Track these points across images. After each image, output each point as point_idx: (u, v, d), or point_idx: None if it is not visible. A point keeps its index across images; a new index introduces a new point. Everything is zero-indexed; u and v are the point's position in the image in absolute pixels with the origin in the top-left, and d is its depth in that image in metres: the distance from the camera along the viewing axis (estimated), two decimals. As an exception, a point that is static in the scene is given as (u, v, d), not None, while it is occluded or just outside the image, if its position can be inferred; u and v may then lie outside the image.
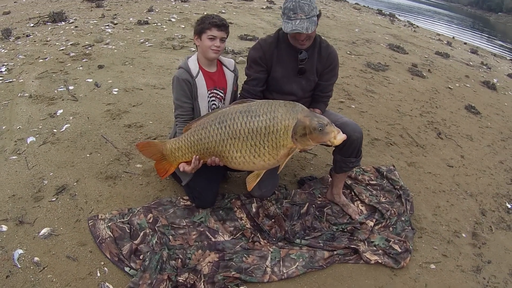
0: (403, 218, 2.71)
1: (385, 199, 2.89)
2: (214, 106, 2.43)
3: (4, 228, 2.21)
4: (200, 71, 2.34)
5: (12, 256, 2.03)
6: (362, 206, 2.79)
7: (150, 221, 2.26)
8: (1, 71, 4.42)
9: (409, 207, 2.88)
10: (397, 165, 3.46)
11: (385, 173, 3.18)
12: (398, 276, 2.33)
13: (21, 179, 2.62)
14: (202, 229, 2.27)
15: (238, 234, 2.31)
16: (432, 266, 2.46)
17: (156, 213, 2.32)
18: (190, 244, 2.17)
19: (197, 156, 2.09)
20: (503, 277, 2.54)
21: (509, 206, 3.40)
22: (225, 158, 2.04)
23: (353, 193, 2.89)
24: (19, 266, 1.99)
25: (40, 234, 2.19)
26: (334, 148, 2.50)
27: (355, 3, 18.18)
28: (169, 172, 2.21)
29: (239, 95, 2.55)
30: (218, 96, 2.45)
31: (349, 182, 2.97)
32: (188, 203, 2.46)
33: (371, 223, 2.58)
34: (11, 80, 4.16)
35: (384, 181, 3.10)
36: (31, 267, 2.00)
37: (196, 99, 2.33)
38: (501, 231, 3.04)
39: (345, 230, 2.53)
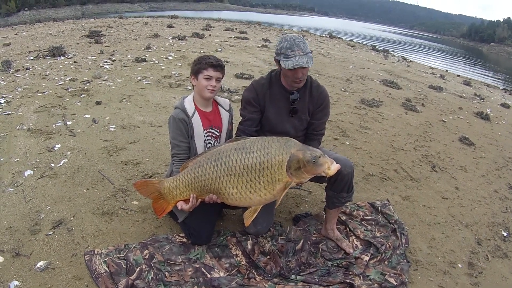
0: (398, 252, 2.81)
1: (380, 233, 3.00)
2: (210, 145, 2.59)
3: (1, 259, 2.30)
4: (196, 111, 2.52)
5: (8, 287, 2.11)
6: (357, 241, 2.88)
7: (146, 257, 2.35)
8: (0, 103, 4.59)
9: (404, 240, 2.98)
10: (391, 199, 3.60)
11: (379, 208, 3.30)
12: (394, 309, 2.37)
13: (18, 212, 2.73)
14: (198, 266, 2.36)
15: (233, 271, 2.40)
16: (428, 298, 2.51)
17: (152, 250, 2.42)
18: (186, 280, 2.25)
19: (195, 195, 2.20)
20: (501, 306, 2.59)
21: (505, 234, 3.50)
22: (222, 195, 2.15)
23: (348, 229, 3.00)
24: (15, 299, 2.05)
25: (36, 266, 2.27)
26: (326, 184, 2.66)
27: (350, 40, 18.96)
28: (166, 211, 2.30)
29: (234, 136, 2.72)
30: (214, 135, 2.62)
31: (343, 218, 3.09)
32: (184, 240, 2.56)
33: (366, 258, 2.68)
34: (10, 113, 4.34)
35: (379, 216, 3.22)
36: (26, 301, 2.06)
37: (192, 138, 2.50)
38: (498, 259, 3.12)
39: (340, 265, 2.61)
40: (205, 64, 2.44)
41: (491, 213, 3.82)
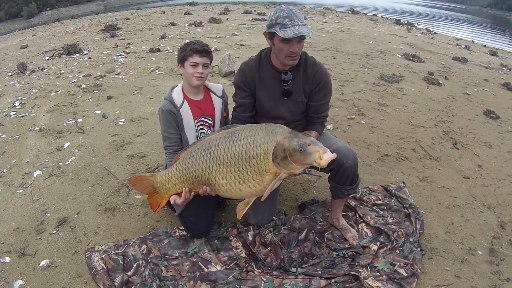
0: (411, 239, 2.65)
1: (392, 219, 2.84)
2: (203, 134, 2.51)
3: (7, 259, 2.40)
4: (185, 101, 2.44)
5: (12, 287, 2.20)
6: (367, 228, 2.74)
7: (144, 252, 2.37)
8: (15, 106, 4.77)
9: (419, 226, 2.81)
10: (408, 181, 3.41)
11: (393, 191, 3.13)
12: (404, 303, 2.25)
13: (25, 212, 2.83)
14: (195, 260, 2.35)
15: (232, 264, 2.36)
16: (443, 289, 2.38)
17: (151, 244, 2.43)
18: (182, 275, 2.25)
19: (187, 188, 2.15)
20: (522, 295, 2.42)
21: None
22: (213, 186, 2.09)
23: (357, 215, 2.86)
24: (18, 297, 2.13)
25: (39, 265, 2.35)
26: (329, 173, 2.48)
27: (373, 15, 18.30)
28: (161, 206, 2.27)
29: (230, 123, 2.63)
30: (207, 124, 2.53)
31: (353, 203, 2.94)
32: (184, 233, 2.55)
33: (375, 247, 2.54)
34: (23, 115, 4.50)
35: (392, 200, 3.05)
36: (29, 298, 2.15)
37: (182, 129, 2.43)
38: None
39: (346, 255, 2.49)
40: (190, 51, 2.34)
41: (516, 193, 3.52)
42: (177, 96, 2.44)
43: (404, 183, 3.33)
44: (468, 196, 3.37)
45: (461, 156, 4.08)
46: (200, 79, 2.38)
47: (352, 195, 2.88)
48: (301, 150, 1.81)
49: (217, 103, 2.56)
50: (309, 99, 2.47)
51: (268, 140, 1.89)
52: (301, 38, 2.19)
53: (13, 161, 3.50)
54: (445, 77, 7.07)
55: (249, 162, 1.92)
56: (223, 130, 2.07)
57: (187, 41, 2.60)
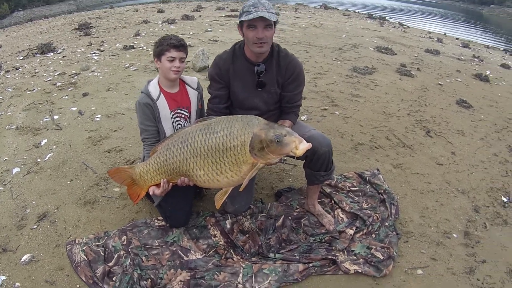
0: (386, 224, 2.74)
1: (367, 205, 2.94)
2: (179, 126, 2.57)
3: (-11, 256, 2.41)
4: (162, 93, 2.50)
5: (-5, 283, 2.23)
6: (342, 214, 2.83)
7: (124, 243, 2.43)
8: (-9, 106, 4.65)
9: (394, 211, 2.90)
10: (382, 168, 3.52)
11: (368, 178, 3.23)
12: (381, 285, 2.32)
13: (5, 209, 2.84)
14: (174, 249, 2.42)
15: (211, 252, 2.44)
16: (419, 271, 2.45)
17: (131, 235, 2.49)
18: (162, 264, 2.32)
19: (165, 179, 2.21)
20: (499, 276, 2.51)
21: (505, 199, 3.36)
22: (192, 177, 2.15)
23: (333, 202, 2.94)
24: (1, 292, 2.17)
25: (21, 260, 2.38)
26: (304, 161, 2.58)
27: (346, 10, 18.51)
28: (140, 197, 2.33)
29: (206, 114, 2.69)
30: (183, 116, 2.59)
31: (328, 190, 3.04)
32: (163, 223, 2.62)
33: (351, 231, 2.64)
34: (0, 114, 4.39)
35: (367, 186, 3.15)
36: (11, 293, 2.18)
37: (159, 121, 2.49)
38: (497, 227, 3.00)
39: (323, 240, 2.59)
40: (167, 45, 2.38)
41: (490, 178, 3.70)
42: (153, 89, 2.48)
43: (378, 170, 3.43)
44: (442, 182, 3.49)
45: (434, 144, 4.21)
46: (177, 73, 2.43)
47: (327, 181, 2.98)
48: (277, 141, 1.88)
49: (193, 95, 2.62)
50: (282, 89, 2.56)
51: (245, 131, 1.96)
52: (266, 24, 2.25)
53: (-10, 160, 3.49)
54: (418, 68, 7.27)
55: (226, 154, 1.99)
56: (200, 122, 2.13)
57: (165, 35, 2.64)
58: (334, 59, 7.21)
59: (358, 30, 11.41)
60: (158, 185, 2.25)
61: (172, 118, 2.53)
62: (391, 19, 17.88)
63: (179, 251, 2.40)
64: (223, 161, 2.01)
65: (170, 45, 2.38)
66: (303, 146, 1.88)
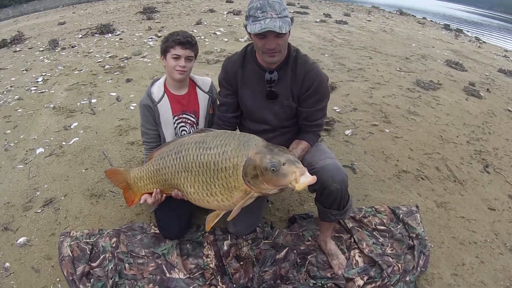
0: (407, 278, 2.31)
1: (391, 250, 2.51)
2: (184, 132, 2.39)
3: (-9, 232, 2.49)
4: (166, 95, 2.32)
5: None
6: (359, 256, 2.44)
7: (113, 245, 2.36)
8: (38, 81, 4.91)
9: (423, 262, 2.45)
10: (422, 205, 3.05)
11: (402, 215, 2.77)
12: None
13: (19, 188, 2.93)
14: (160, 262, 2.28)
15: (197, 274, 2.25)
16: None
17: (123, 237, 2.41)
18: (144, 276, 2.20)
19: (158, 190, 2.04)
20: None
21: None
22: (183, 192, 1.96)
23: (352, 239, 2.56)
24: (-10, 268, 2.23)
25: (17, 242, 2.43)
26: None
27: (422, 18, 17.50)
28: (135, 202, 2.19)
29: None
30: (189, 121, 2.40)
31: (350, 224, 2.65)
32: (158, 231, 2.48)
33: (361, 282, 2.25)
34: (43, 91, 4.62)
35: (398, 227, 2.70)
36: (0, 271, 2.23)
37: (159, 126, 2.33)
38: None
39: (325, 286, 2.24)
40: (172, 42, 2.18)
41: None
42: (157, 90, 2.32)
43: (417, 207, 2.94)
44: (489, 232, 2.95)
45: (491, 182, 3.62)
46: (182, 73, 2.23)
47: (341, 219, 2.57)
48: (273, 169, 1.58)
49: (203, 99, 2.41)
50: (299, 104, 2.19)
51: (239, 153, 1.68)
52: (278, 33, 1.89)
53: (21, 136, 3.63)
54: (487, 89, 6.50)
55: (217, 175, 1.74)
56: (198, 133, 1.91)
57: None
58: (398, 69, 6.70)
59: (430, 40, 10.61)
60: (151, 194, 2.08)
61: (174, 123, 2.35)
62: (468, 32, 16.62)
63: (163, 266, 2.25)
64: (214, 183, 1.76)
65: (175, 41, 2.18)
66: (304, 180, 1.55)
